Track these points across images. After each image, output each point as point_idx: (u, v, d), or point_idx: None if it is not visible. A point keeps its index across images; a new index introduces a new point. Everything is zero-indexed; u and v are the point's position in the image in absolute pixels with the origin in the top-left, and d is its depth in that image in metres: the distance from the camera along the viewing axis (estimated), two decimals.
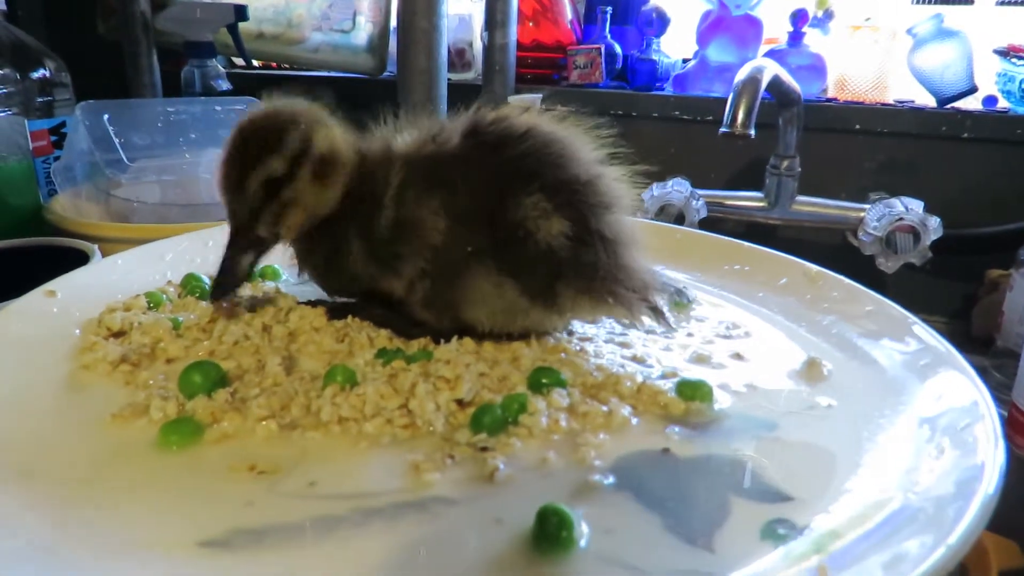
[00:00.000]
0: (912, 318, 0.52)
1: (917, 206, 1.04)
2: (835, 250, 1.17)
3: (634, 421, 0.42)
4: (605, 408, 0.43)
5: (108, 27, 1.37)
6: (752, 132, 0.91)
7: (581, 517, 0.33)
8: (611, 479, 0.37)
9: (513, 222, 0.46)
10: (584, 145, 0.49)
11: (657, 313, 0.49)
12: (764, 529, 0.34)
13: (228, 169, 0.48)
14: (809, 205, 1.14)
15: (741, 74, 0.93)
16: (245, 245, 0.50)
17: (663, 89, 1.33)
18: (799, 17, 1.20)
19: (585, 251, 0.47)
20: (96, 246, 0.66)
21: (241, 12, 1.22)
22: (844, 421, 0.44)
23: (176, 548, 0.31)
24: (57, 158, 0.97)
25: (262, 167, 0.47)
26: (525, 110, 0.50)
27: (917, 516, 0.33)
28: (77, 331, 0.51)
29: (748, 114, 0.91)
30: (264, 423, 0.40)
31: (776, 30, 1.30)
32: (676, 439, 0.41)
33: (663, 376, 0.47)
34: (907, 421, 0.42)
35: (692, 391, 0.44)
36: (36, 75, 1.01)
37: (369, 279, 0.52)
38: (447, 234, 0.47)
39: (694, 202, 1.12)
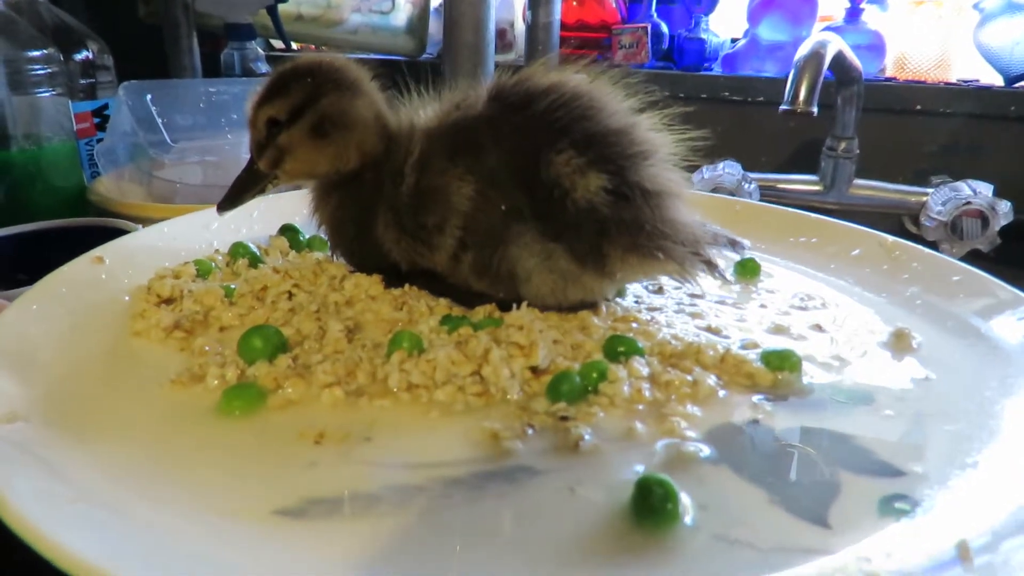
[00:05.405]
0: (1010, 288, 0.48)
1: (986, 190, 1.00)
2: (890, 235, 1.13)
3: (721, 392, 0.39)
4: (689, 377, 0.40)
5: (148, 10, 1.36)
6: (815, 110, 0.87)
7: (679, 489, 0.30)
8: (705, 450, 0.34)
9: (548, 182, 0.44)
10: (613, 96, 0.47)
11: (711, 266, 0.46)
12: (881, 504, 0.31)
13: (250, 102, 0.49)
14: (867, 189, 1.09)
15: (803, 49, 0.89)
16: (254, 174, 0.50)
17: (711, 69, 1.29)
18: None
19: (627, 206, 0.44)
20: (140, 227, 0.65)
21: None
22: (946, 394, 0.41)
23: (250, 516, 0.29)
24: (100, 140, 0.96)
25: (267, 106, 0.48)
26: (549, 68, 0.48)
27: None
28: (127, 298, 0.49)
29: (811, 91, 0.87)
30: (329, 390, 0.38)
31: (831, 6, 1.25)
32: (768, 410, 0.38)
33: (743, 347, 0.44)
34: (1021, 393, 0.39)
35: (780, 361, 0.41)
36: (79, 57, 1.00)
37: (403, 255, 0.50)
38: (477, 199, 0.45)
39: (746, 185, 1.09)
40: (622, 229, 0.44)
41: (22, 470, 0.30)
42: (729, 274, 0.50)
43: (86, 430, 0.35)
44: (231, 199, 0.51)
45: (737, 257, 0.52)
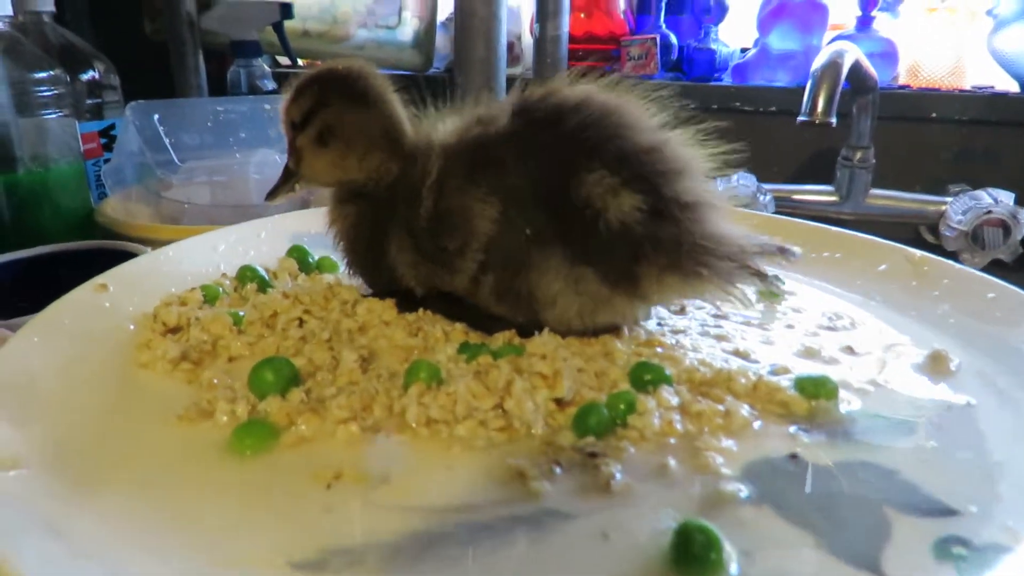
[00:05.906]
0: None
1: (1007, 198, 0.98)
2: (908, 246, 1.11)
3: (756, 424, 0.37)
4: (721, 407, 0.38)
5: (155, 27, 1.36)
6: (833, 120, 0.86)
7: (720, 534, 0.28)
8: (744, 490, 0.32)
9: (578, 202, 0.42)
10: (644, 112, 0.45)
11: (762, 277, 0.43)
12: (936, 548, 0.29)
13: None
14: (884, 199, 1.08)
15: (820, 59, 0.88)
16: (286, 170, 0.51)
17: (722, 80, 1.27)
18: (868, 0, 1.13)
19: (663, 224, 0.42)
20: (148, 248, 0.64)
21: (287, 10, 1.19)
22: (992, 421, 0.38)
23: (265, 569, 0.27)
24: (107, 160, 0.95)
25: (290, 107, 0.49)
26: (575, 80, 0.46)
27: None
28: (132, 326, 0.47)
29: (829, 101, 0.86)
30: (344, 426, 0.36)
31: (842, 15, 1.24)
32: (805, 443, 0.36)
33: (774, 372, 0.42)
34: None
35: (815, 388, 0.40)
36: (85, 77, 0.99)
37: (419, 279, 0.48)
38: (502, 222, 0.43)
39: (761, 197, 1.07)
40: (659, 248, 0.42)
41: (24, 527, 0.28)
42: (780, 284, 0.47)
43: (88, 474, 0.33)
44: (271, 192, 0.52)
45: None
